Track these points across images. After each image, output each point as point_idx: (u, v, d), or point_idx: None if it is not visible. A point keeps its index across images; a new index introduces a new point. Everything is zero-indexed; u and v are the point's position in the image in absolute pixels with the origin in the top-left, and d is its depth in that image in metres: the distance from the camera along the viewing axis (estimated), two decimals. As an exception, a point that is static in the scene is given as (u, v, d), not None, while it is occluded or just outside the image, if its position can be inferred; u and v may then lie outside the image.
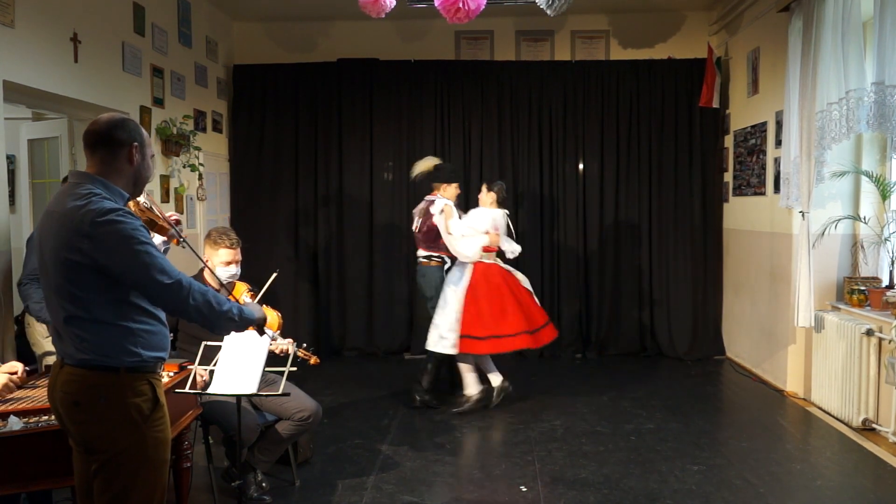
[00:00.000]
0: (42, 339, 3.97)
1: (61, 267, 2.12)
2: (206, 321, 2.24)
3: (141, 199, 2.44)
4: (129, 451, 2.17)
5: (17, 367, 2.97)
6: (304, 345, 3.61)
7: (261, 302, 3.62)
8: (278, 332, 3.62)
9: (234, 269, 3.67)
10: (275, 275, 3.53)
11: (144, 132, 2.33)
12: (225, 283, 3.67)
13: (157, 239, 2.55)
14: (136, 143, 2.26)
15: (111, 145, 2.22)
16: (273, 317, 3.66)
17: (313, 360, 3.59)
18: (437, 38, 7.14)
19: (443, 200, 5.26)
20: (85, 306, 2.13)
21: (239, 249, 3.70)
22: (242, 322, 2.34)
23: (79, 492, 2.30)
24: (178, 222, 2.78)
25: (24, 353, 4.12)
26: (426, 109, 7.05)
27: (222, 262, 3.64)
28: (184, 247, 2.53)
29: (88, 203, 2.11)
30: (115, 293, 2.15)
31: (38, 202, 5.48)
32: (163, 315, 2.30)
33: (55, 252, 2.13)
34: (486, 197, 5.38)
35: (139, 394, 2.19)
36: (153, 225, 2.46)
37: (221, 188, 6.95)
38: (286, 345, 3.54)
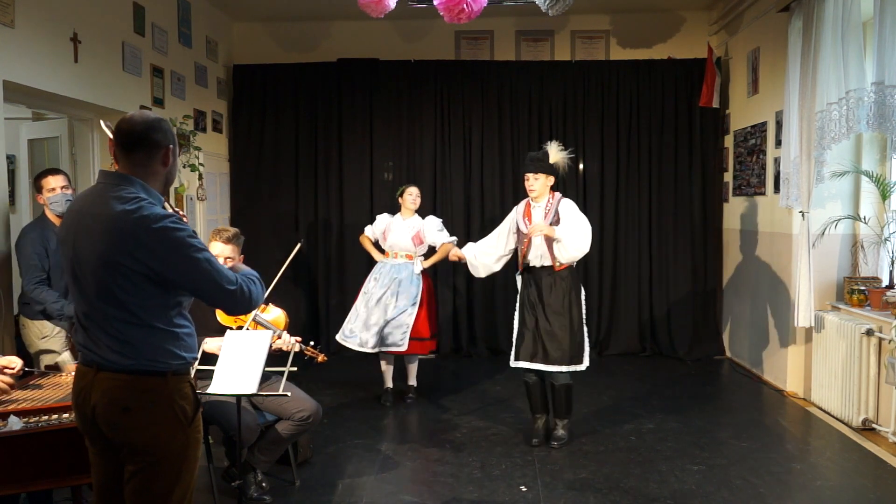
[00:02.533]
0: (37, 339, 3.94)
1: (110, 270, 2.06)
2: (254, 303, 2.32)
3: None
4: (174, 454, 2.16)
5: (17, 362, 2.93)
6: (312, 343, 3.65)
7: (267, 300, 3.66)
8: (285, 329, 3.64)
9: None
10: (298, 245, 3.79)
11: (174, 131, 2.29)
12: None
13: None
14: (171, 146, 2.22)
15: (149, 147, 2.17)
16: (280, 315, 3.70)
17: (320, 357, 3.61)
18: (437, 38, 7.14)
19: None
20: (133, 311, 2.08)
21: (234, 247, 3.61)
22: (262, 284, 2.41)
23: (99, 494, 2.26)
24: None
25: (26, 353, 4.12)
26: (426, 109, 7.05)
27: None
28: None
29: (139, 208, 2.06)
30: (163, 298, 2.12)
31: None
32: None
33: (101, 255, 2.06)
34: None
35: (184, 396, 2.18)
36: None
37: (221, 188, 6.95)
38: (293, 343, 3.56)
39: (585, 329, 4.44)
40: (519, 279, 4.56)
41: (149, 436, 2.12)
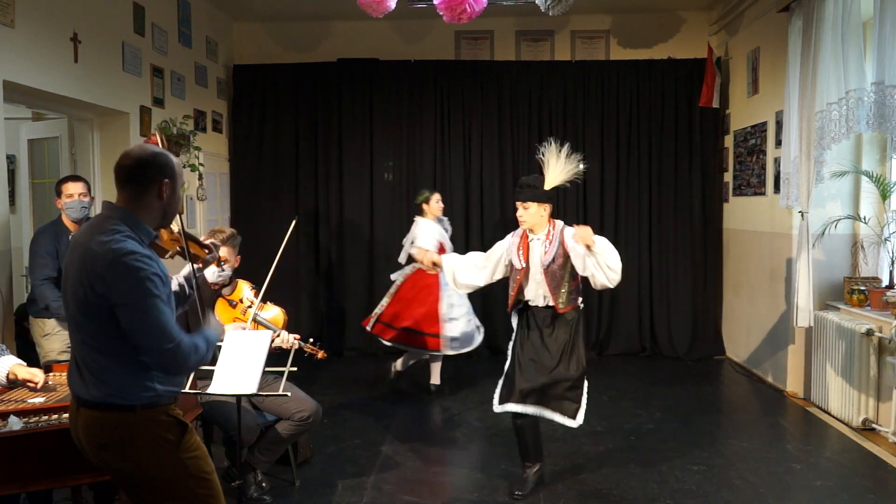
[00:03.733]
0: (40, 337, 3.96)
1: (80, 300, 2.09)
2: (187, 370, 2.26)
3: (175, 227, 2.36)
4: (170, 477, 2.15)
5: (39, 377, 2.94)
6: (311, 339, 3.67)
7: (264, 299, 3.67)
8: (284, 328, 3.66)
9: (225, 271, 3.57)
10: (294, 222, 3.76)
11: (177, 163, 2.26)
12: (214, 278, 3.53)
13: (189, 268, 2.45)
14: (166, 181, 2.20)
15: (141, 182, 2.17)
16: (278, 313, 3.73)
17: (320, 354, 3.65)
18: (437, 38, 7.14)
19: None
20: (101, 341, 2.10)
21: (230, 248, 3.55)
22: (211, 351, 2.30)
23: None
24: (212, 249, 2.63)
25: (25, 352, 4.12)
26: (426, 109, 7.05)
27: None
28: (223, 270, 2.46)
29: (111, 241, 2.06)
30: None
31: (38, 202, 5.49)
32: None
33: (75, 286, 2.10)
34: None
35: (162, 425, 2.16)
36: (185, 253, 2.40)
37: (221, 188, 6.95)
38: (292, 340, 3.57)
39: (585, 381, 3.77)
40: (514, 319, 3.93)
41: (134, 468, 2.14)
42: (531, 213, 3.78)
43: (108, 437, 2.13)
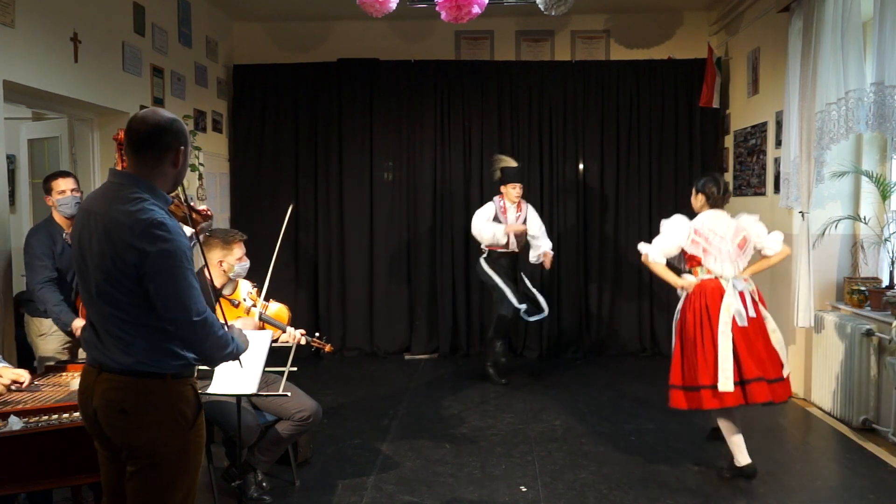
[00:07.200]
0: (36, 337, 3.96)
1: (108, 271, 2.06)
2: (209, 360, 2.20)
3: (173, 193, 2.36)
4: (172, 457, 2.15)
5: (25, 377, 2.95)
6: (317, 334, 3.73)
7: (268, 296, 3.69)
8: (288, 323, 3.71)
9: (247, 263, 3.65)
10: (291, 208, 3.84)
11: (187, 131, 2.25)
12: (242, 272, 3.64)
13: (187, 231, 2.48)
14: (182, 148, 2.18)
15: (160, 149, 2.14)
16: (282, 309, 3.76)
17: (327, 347, 3.72)
18: (437, 38, 7.14)
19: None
20: (130, 310, 2.08)
21: (241, 245, 3.65)
22: (235, 357, 2.27)
23: (107, 493, 2.27)
24: (209, 216, 2.69)
25: (25, 352, 4.12)
26: (426, 109, 7.05)
27: (237, 259, 3.58)
28: (199, 240, 2.49)
29: (140, 210, 2.04)
30: None
31: (38, 202, 5.48)
32: None
33: (101, 256, 2.07)
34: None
35: (184, 400, 2.16)
36: (187, 219, 2.42)
37: (221, 188, 6.95)
38: (298, 336, 3.59)
39: None
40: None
41: (146, 438, 2.12)
42: None
43: (130, 403, 2.10)
